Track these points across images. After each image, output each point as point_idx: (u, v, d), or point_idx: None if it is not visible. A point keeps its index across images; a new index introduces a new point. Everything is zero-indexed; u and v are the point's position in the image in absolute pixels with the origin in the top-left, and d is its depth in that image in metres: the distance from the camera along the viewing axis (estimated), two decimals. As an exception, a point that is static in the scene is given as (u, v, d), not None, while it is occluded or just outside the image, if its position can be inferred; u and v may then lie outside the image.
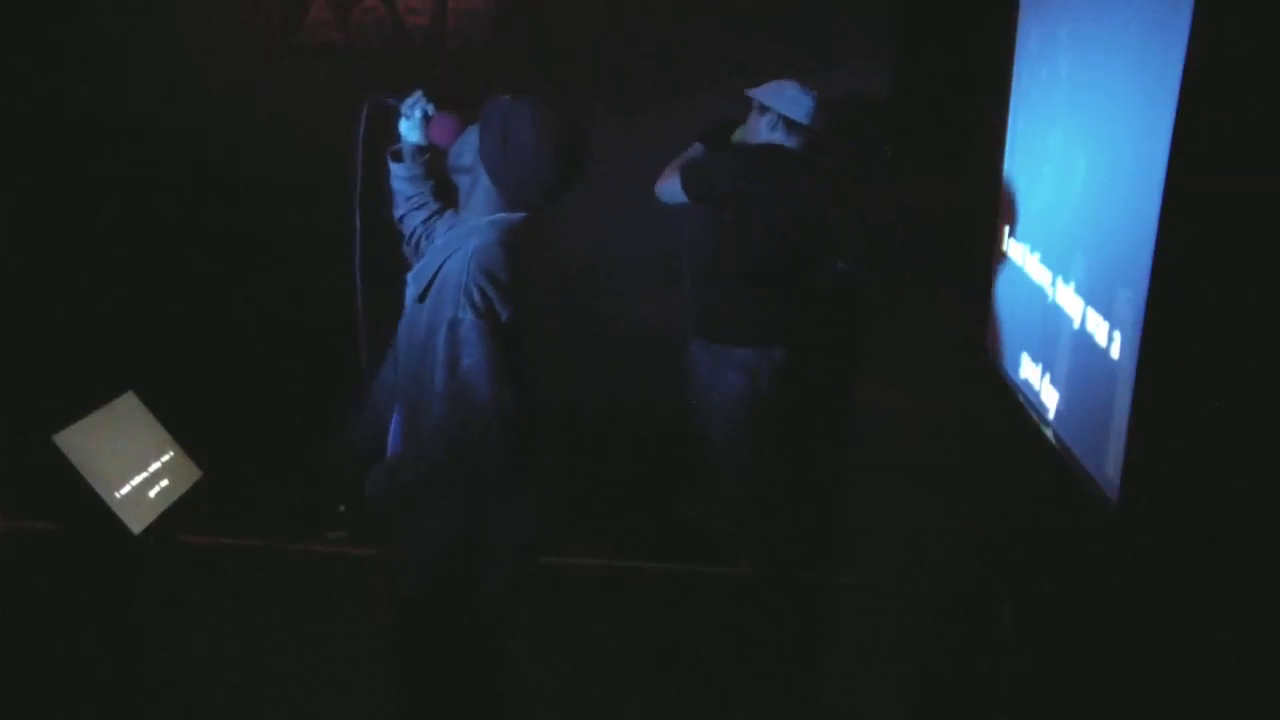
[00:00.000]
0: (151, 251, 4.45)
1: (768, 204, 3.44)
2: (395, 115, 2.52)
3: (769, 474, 3.79)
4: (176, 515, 3.91)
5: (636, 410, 4.17)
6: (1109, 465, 2.27)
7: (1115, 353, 2.27)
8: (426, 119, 2.46)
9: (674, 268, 3.78)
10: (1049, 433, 2.78)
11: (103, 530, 3.63)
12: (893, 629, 3.33)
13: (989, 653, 3.02)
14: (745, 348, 3.52)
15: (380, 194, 2.63)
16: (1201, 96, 1.89)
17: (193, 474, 4.11)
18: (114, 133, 4.36)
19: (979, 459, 3.39)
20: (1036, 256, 3.04)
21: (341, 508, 3.95)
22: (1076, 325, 2.57)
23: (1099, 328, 2.39)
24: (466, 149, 2.30)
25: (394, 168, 2.56)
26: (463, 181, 2.33)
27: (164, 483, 3.93)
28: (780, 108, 3.44)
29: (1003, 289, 3.51)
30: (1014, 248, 3.35)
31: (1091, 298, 2.48)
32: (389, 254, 2.64)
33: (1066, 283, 2.69)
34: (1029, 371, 3.05)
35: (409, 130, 2.48)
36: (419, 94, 2.46)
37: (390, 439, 2.40)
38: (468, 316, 2.09)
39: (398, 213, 2.60)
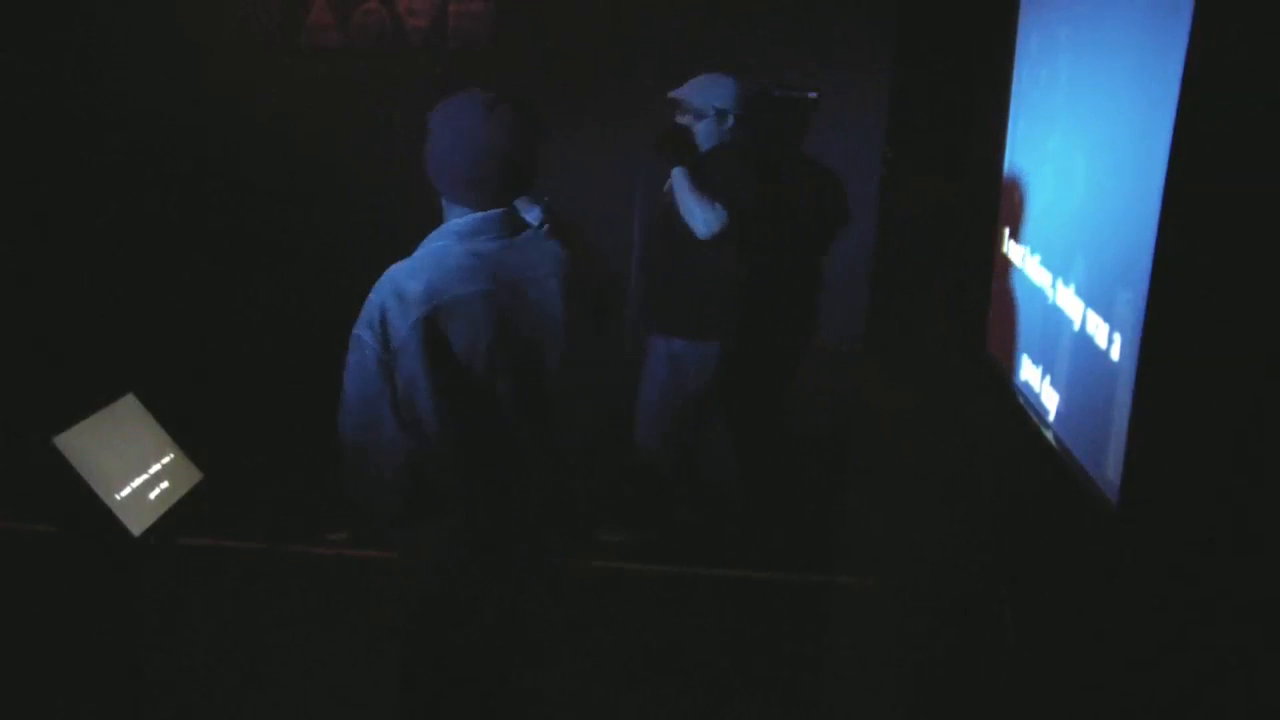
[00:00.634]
0: (152, 253, 4.45)
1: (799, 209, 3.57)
2: None
3: (705, 467, 3.87)
4: (177, 517, 3.91)
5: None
6: (1109, 467, 2.27)
7: (1115, 354, 2.27)
8: None
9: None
10: (1049, 434, 2.77)
11: (103, 532, 3.63)
12: (893, 630, 3.33)
13: (989, 654, 3.02)
14: (683, 339, 3.65)
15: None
16: (1201, 98, 1.89)
17: (193, 476, 4.11)
18: (115, 133, 4.36)
19: (979, 461, 3.39)
20: (1037, 258, 3.03)
21: (343, 535, 3.97)
22: (1076, 327, 2.57)
23: (1099, 329, 2.39)
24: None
25: None
26: None
27: (164, 485, 3.93)
28: (725, 103, 3.55)
29: (1002, 291, 3.50)
30: (1014, 249, 3.35)
31: (1091, 299, 2.48)
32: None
33: (1066, 284, 2.69)
34: (1029, 373, 3.05)
35: None
36: None
37: None
38: (358, 333, 2.03)
39: None
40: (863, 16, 4.03)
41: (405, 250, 2.46)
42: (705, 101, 3.56)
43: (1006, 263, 3.44)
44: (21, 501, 3.85)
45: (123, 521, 3.67)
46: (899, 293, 4.07)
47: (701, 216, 3.48)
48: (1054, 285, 2.81)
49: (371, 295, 2.01)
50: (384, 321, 1.96)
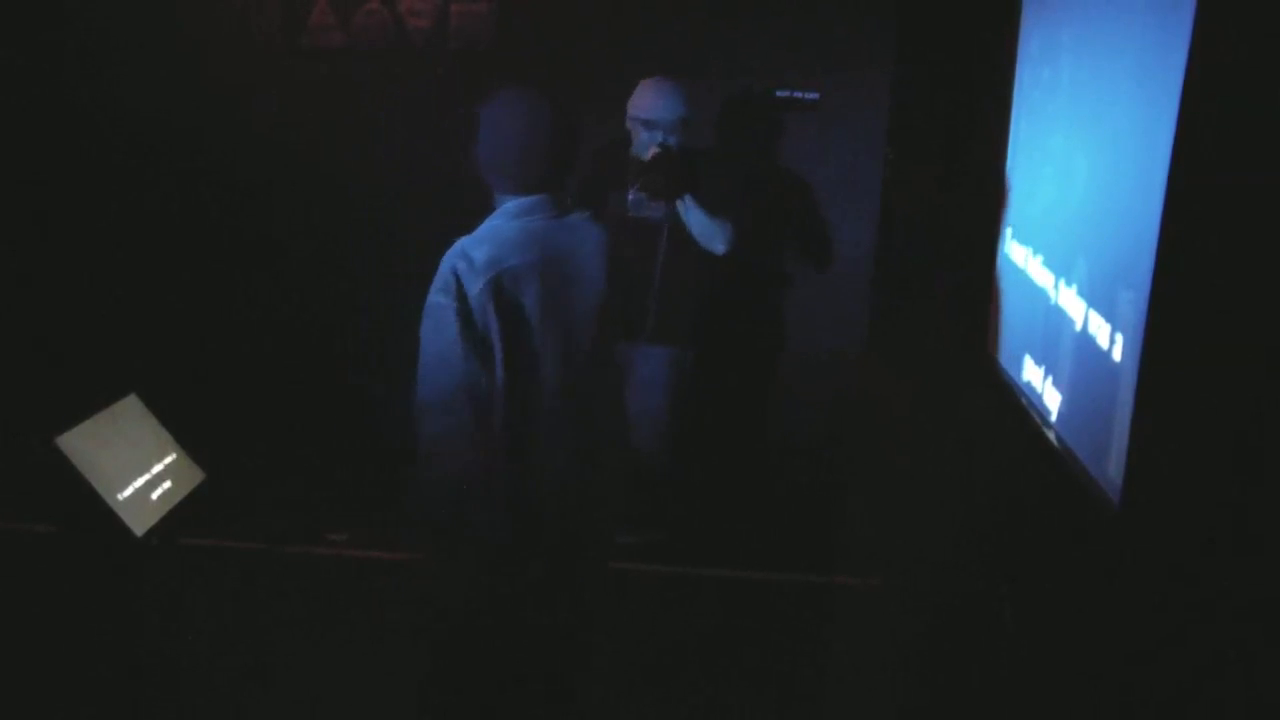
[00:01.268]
0: (154, 254, 4.45)
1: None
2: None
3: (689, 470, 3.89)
4: (178, 517, 3.91)
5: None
6: (1111, 467, 2.27)
7: (1117, 355, 2.27)
8: None
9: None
10: (1051, 435, 2.77)
11: (105, 532, 3.64)
12: (894, 630, 3.33)
13: (990, 654, 3.02)
14: (662, 346, 3.69)
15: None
16: (1203, 98, 1.89)
17: (195, 476, 4.11)
18: (116, 134, 4.37)
19: (980, 461, 3.39)
20: (1039, 259, 3.04)
21: (344, 535, 3.98)
22: (1078, 327, 2.57)
23: (1101, 329, 2.39)
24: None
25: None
26: None
27: (166, 485, 3.94)
28: (688, 111, 3.58)
29: (1004, 291, 3.50)
30: (1015, 250, 3.35)
31: (1093, 299, 2.48)
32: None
33: (1068, 285, 2.69)
34: (1031, 373, 3.05)
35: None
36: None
37: None
38: (438, 300, 2.17)
39: None
40: (864, 17, 4.03)
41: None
42: (675, 114, 3.56)
43: (1008, 263, 3.44)
44: (24, 501, 3.86)
45: (125, 521, 3.67)
46: (900, 293, 4.07)
47: (721, 236, 3.55)
48: (1056, 285, 2.81)
49: (442, 266, 2.20)
50: (458, 283, 2.16)
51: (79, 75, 4.36)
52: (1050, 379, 2.85)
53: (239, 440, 4.25)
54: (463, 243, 2.23)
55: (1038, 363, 2.99)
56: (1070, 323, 2.65)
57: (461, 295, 2.15)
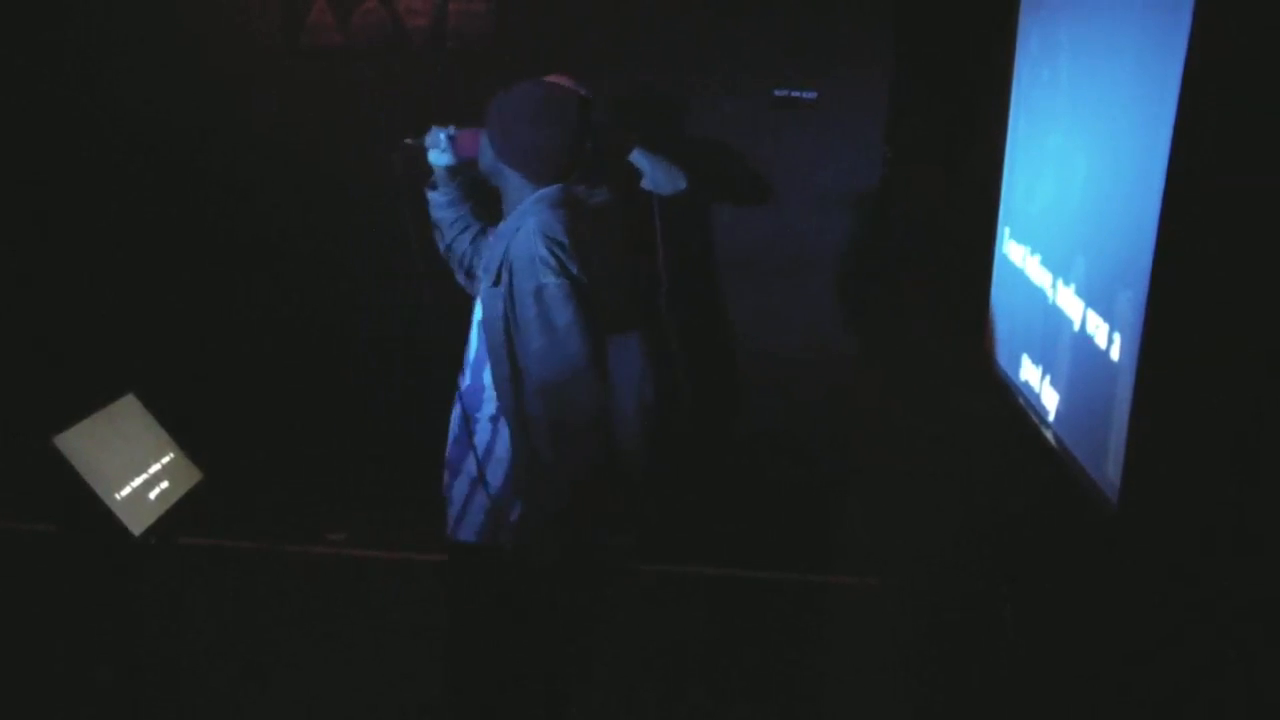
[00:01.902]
0: (152, 253, 4.45)
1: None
2: (423, 152, 2.60)
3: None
4: (177, 517, 3.91)
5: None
6: (1109, 467, 2.26)
7: (1116, 354, 2.27)
8: (451, 140, 2.55)
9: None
10: (1049, 434, 2.77)
11: (103, 532, 3.63)
12: (892, 630, 3.33)
13: (989, 654, 3.02)
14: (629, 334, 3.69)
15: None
16: (1201, 97, 1.89)
17: (193, 476, 4.11)
18: (115, 133, 4.36)
19: (979, 461, 3.39)
20: (1037, 258, 3.03)
21: (343, 534, 3.98)
22: (1077, 327, 2.57)
23: (1099, 329, 2.39)
24: (485, 151, 2.42)
25: (432, 197, 2.65)
26: (498, 181, 2.46)
27: (164, 485, 3.93)
28: None
29: (1003, 290, 3.50)
30: (1014, 249, 3.34)
31: (1092, 299, 2.48)
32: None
33: (1067, 284, 2.69)
34: (1029, 373, 3.05)
35: (438, 157, 2.58)
36: (433, 129, 2.56)
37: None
38: (550, 280, 2.24)
39: (444, 243, 2.70)
40: (863, 16, 4.03)
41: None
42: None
43: (1006, 263, 3.44)
44: (22, 501, 3.85)
45: (123, 521, 3.67)
46: (899, 292, 4.07)
47: (677, 170, 3.59)
48: (1054, 285, 2.81)
49: (525, 251, 2.27)
50: (561, 262, 2.25)
51: (78, 74, 4.35)
52: (1048, 379, 2.84)
53: (237, 440, 4.25)
54: (537, 227, 2.28)
55: (1036, 362, 2.99)
56: (1069, 322, 2.64)
57: (568, 272, 2.24)
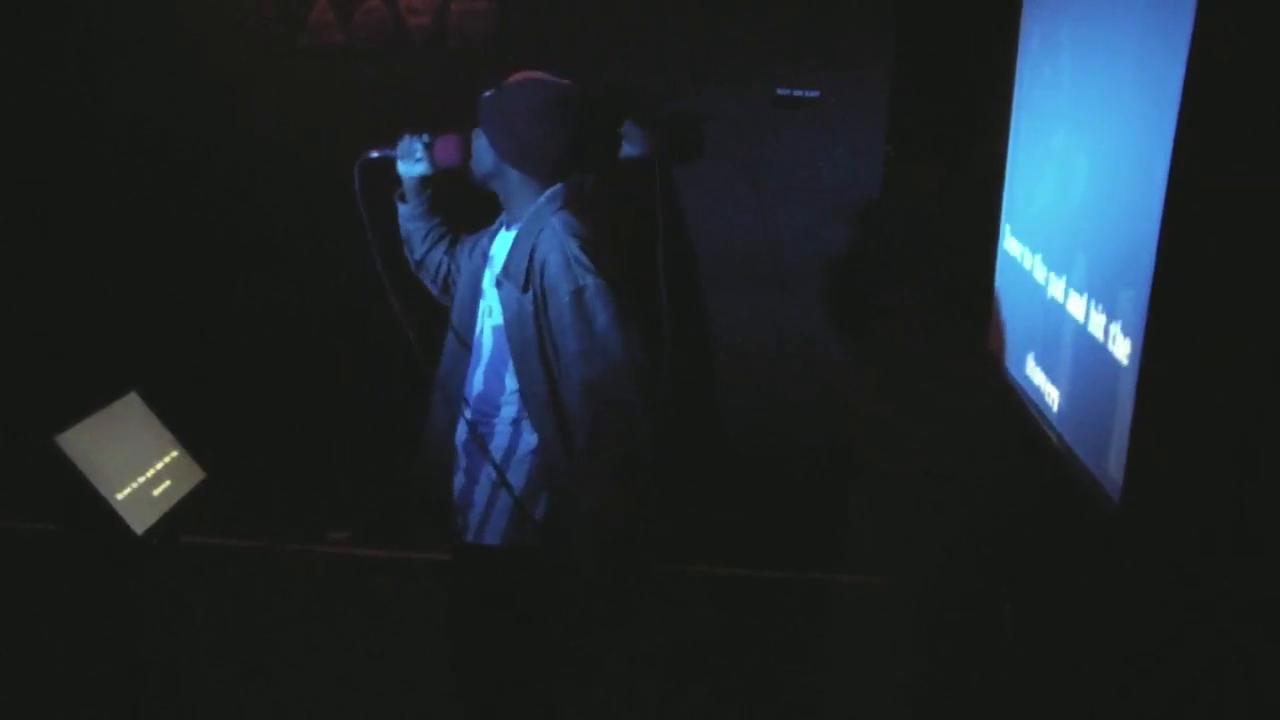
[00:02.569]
0: (154, 252, 4.45)
1: None
2: (390, 164, 2.56)
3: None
4: (179, 516, 3.90)
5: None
6: (1112, 466, 2.27)
7: (1118, 353, 2.27)
8: (429, 148, 2.49)
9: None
10: (1051, 433, 2.77)
11: (105, 531, 3.63)
12: (894, 629, 3.33)
13: (990, 654, 3.02)
14: None
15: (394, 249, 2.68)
16: (1204, 96, 1.89)
17: (196, 475, 4.10)
18: (115, 133, 4.36)
19: (980, 459, 3.39)
20: (1038, 257, 3.04)
21: (346, 534, 3.97)
22: (1078, 325, 2.57)
23: (1101, 328, 2.39)
24: (484, 154, 2.36)
25: (402, 209, 2.61)
26: (497, 185, 2.40)
27: (167, 484, 3.93)
28: None
29: (1004, 289, 3.50)
30: (1016, 247, 3.35)
31: (1094, 298, 2.48)
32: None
33: (1069, 283, 2.69)
34: (1031, 371, 3.05)
35: (408, 169, 2.52)
36: (407, 134, 2.51)
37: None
38: (589, 281, 2.24)
39: (415, 257, 2.66)
40: (864, 15, 4.02)
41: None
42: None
43: (1008, 261, 3.44)
44: (23, 500, 3.85)
45: (125, 520, 3.66)
46: (900, 291, 4.06)
47: (635, 130, 3.62)
48: (1056, 283, 2.81)
49: (558, 253, 2.25)
50: (597, 262, 2.25)
51: (78, 73, 4.35)
52: (1050, 377, 2.85)
53: (240, 439, 4.25)
54: (564, 228, 2.28)
55: (1038, 361, 2.99)
56: (1071, 321, 2.65)
57: (605, 271, 2.25)
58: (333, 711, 2.98)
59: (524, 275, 2.29)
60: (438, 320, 2.66)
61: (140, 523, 3.72)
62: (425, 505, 2.56)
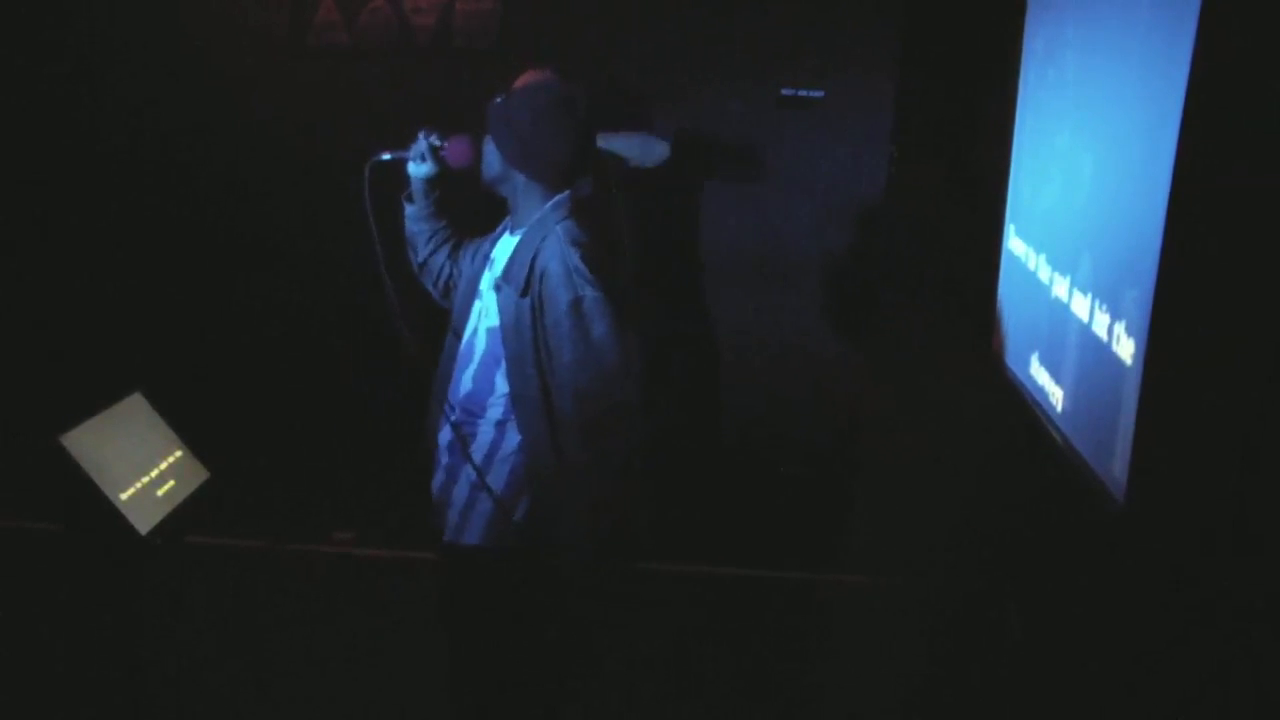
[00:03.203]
0: (158, 252, 4.46)
1: None
2: (400, 165, 2.54)
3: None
4: (183, 516, 3.91)
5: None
6: (1116, 466, 2.26)
7: (1122, 353, 2.26)
8: (436, 150, 2.48)
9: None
10: (1055, 433, 2.77)
11: (109, 531, 3.63)
12: (898, 629, 3.32)
13: (994, 653, 3.02)
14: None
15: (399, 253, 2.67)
16: (1208, 96, 1.89)
17: (200, 475, 4.10)
18: (120, 133, 4.37)
19: (984, 459, 3.39)
20: (1043, 257, 3.03)
21: (351, 534, 3.97)
22: (1083, 325, 2.57)
23: (1106, 328, 2.39)
24: (492, 159, 2.36)
25: (408, 210, 2.61)
26: (505, 189, 2.41)
27: (171, 483, 3.93)
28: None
29: (1009, 289, 3.50)
30: (1020, 248, 3.34)
31: (1098, 298, 2.47)
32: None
33: (1073, 283, 2.69)
34: (1035, 371, 3.04)
35: (417, 169, 2.52)
36: (420, 135, 2.49)
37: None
38: (588, 293, 2.23)
39: (418, 259, 2.66)
40: (869, 15, 4.03)
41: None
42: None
43: (1013, 261, 3.44)
44: (28, 500, 3.86)
45: (129, 520, 3.67)
46: (904, 291, 4.06)
47: (653, 141, 3.66)
48: (1060, 283, 2.81)
49: (559, 264, 2.25)
50: (596, 273, 2.23)
51: (83, 74, 4.36)
52: (1054, 377, 2.84)
53: (245, 439, 4.25)
54: (568, 237, 2.27)
55: (1042, 361, 2.99)
56: (1075, 320, 2.64)
57: (604, 283, 2.23)
58: (334, 711, 2.98)
59: (524, 281, 2.29)
60: (438, 323, 2.66)
61: (144, 523, 3.72)
62: (424, 504, 2.56)
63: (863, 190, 4.14)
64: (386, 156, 2.52)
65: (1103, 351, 2.39)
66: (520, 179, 2.36)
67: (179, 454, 4.05)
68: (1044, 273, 2.99)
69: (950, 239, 3.89)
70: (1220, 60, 1.86)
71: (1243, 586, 1.76)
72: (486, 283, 2.44)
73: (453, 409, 2.43)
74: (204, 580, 3.65)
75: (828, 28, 4.04)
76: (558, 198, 2.35)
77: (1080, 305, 2.60)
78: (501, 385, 2.38)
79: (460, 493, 2.42)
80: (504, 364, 2.36)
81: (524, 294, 2.30)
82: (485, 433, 2.41)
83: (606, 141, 3.57)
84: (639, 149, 3.61)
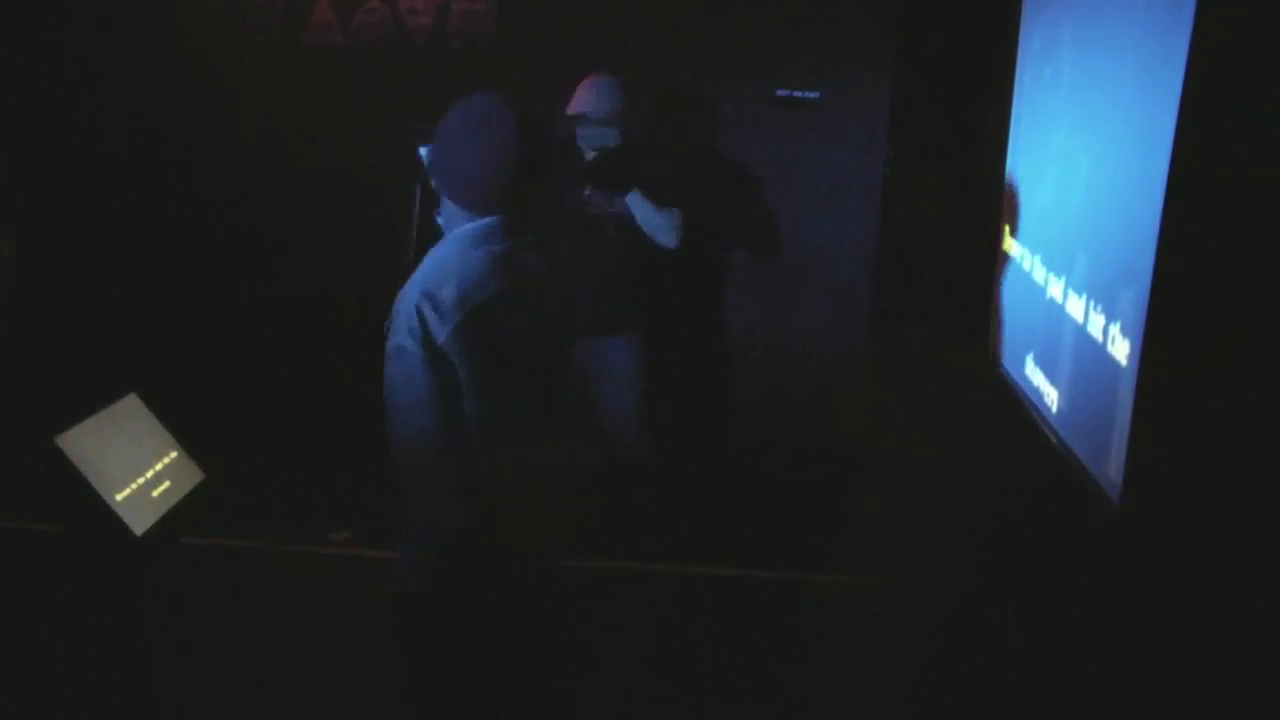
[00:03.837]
0: (154, 252, 4.45)
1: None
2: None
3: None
4: (179, 517, 3.90)
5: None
6: (1111, 466, 2.26)
7: (1118, 353, 2.27)
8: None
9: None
10: (1051, 434, 2.77)
11: (105, 532, 3.63)
12: (895, 630, 3.33)
13: (990, 654, 3.02)
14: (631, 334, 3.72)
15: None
16: (1204, 96, 1.89)
17: (195, 475, 4.10)
18: (117, 134, 4.37)
19: (980, 460, 3.39)
20: (1039, 257, 3.03)
21: (347, 534, 3.97)
22: (1078, 326, 2.57)
23: (1101, 328, 2.39)
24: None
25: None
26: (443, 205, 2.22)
27: (166, 484, 3.93)
28: (621, 105, 3.65)
29: (1005, 290, 3.50)
30: (1016, 248, 3.34)
31: (1094, 298, 2.48)
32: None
33: (1069, 283, 2.69)
34: (1031, 372, 3.05)
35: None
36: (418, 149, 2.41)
37: None
38: (408, 344, 1.98)
39: None
40: (865, 16, 4.03)
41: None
42: (606, 110, 3.64)
43: (1008, 262, 3.44)
44: (23, 501, 3.85)
45: (125, 521, 3.66)
46: (901, 292, 4.07)
47: (670, 226, 3.60)
48: (1056, 284, 2.81)
49: (400, 305, 2.01)
50: (424, 326, 1.97)
51: (79, 74, 4.36)
52: (1050, 378, 2.85)
53: (240, 439, 4.25)
54: (423, 279, 2.02)
55: (1037, 362, 2.99)
56: (1071, 321, 2.64)
57: (429, 341, 1.96)
58: (334, 712, 2.98)
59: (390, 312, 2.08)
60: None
61: (140, 523, 3.72)
62: None
63: (858, 192, 4.14)
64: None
65: (1098, 352, 2.39)
66: (447, 202, 2.14)
67: (174, 455, 4.04)
68: (1039, 273, 2.99)
69: (946, 240, 3.89)
70: (1216, 60, 1.86)
71: (1238, 587, 1.76)
72: None
73: None
74: (200, 581, 3.64)
75: (823, 28, 4.04)
76: (471, 225, 2.08)
77: (1075, 306, 2.60)
78: None
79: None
80: None
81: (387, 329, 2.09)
82: None
83: (636, 206, 3.61)
84: (660, 226, 3.61)
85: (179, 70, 4.29)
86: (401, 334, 1.99)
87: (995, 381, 3.39)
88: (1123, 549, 2.15)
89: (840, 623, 3.51)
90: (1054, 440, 2.74)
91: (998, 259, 3.58)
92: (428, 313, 1.97)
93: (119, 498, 3.69)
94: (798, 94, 4.04)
